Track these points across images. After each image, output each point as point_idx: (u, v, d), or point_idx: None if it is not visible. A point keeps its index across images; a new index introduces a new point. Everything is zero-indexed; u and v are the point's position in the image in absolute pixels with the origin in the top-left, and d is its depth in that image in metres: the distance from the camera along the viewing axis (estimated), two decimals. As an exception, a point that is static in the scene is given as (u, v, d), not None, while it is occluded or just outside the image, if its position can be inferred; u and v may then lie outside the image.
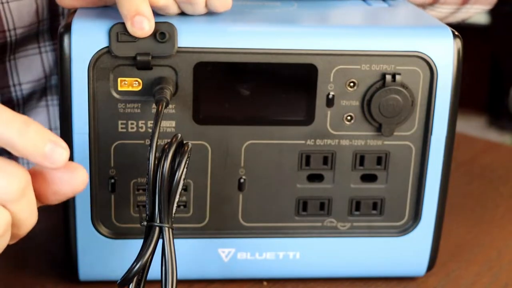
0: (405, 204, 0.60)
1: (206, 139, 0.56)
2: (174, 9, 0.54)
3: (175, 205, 0.50)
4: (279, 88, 0.56)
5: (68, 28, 0.53)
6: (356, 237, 0.60)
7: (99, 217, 0.57)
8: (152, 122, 0.55)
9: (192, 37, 0.54)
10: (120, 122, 0.55)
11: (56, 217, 0.59)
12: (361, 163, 0.58)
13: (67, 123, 0.54)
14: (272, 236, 0.59)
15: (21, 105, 0.71)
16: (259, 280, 0.61)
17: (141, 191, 0.57)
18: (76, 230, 0.57)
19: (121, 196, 0.57)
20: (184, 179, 0.50)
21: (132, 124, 0.55)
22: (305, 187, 0.58)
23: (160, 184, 0.49)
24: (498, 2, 0.81)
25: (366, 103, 0.56)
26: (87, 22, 0.53)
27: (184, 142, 0.51)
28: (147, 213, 0.50)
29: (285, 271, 0.60)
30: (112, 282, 0.52)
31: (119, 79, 0.54)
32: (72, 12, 0.55)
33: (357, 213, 0.60)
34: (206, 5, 0.55)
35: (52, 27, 0.70)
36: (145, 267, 0.50)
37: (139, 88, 0.54)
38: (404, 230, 0.60)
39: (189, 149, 0.50)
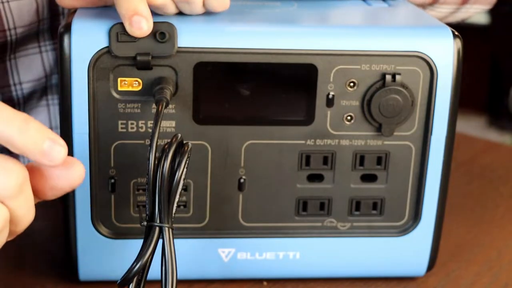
0: (405, 204, 0.60)
1: (206, 139, 0.56)
2: (171, 9, 0.54)
3: (175, 205, 0.50)
4: (279, 88, 0.56)
5: (68, 28, 0.53)
6: (356, 237, 0.60)
7: (99, 217, 0.57)
8: (152, 122, 0.55)
9: (192, 37, 0.54)
10: (120, 122, 0.55)
11: (56, 217, 0.59)
12: (361, 163, 0.58)
13: (67, 123, 0.54)
14: (272, 236, 0.59)
15: (21, 104, 0.71)
16: (259, 280, 0.61)
17: (141, 191, 0.57)
18: (76, 230, 0.57)
19: (121, 196, 0.57)
20: (184, 179, 0.50)
21: (132, 124, 0.55)
22: (305, 187, 0.58)
23: (160, 184, 0.49)
24: (497, 2, 0.81)
25: (366, 103, 0.56)
26: (87, 22, 0.53)
27: (184, 142, 0.51)
28: (147, 213, 0.50)
29: (285, 271, 0.60)
30: (112, 282, 0.52)
31: (119, 79, 0.54)
32: (72, 12, 0.55)
33: (357, 213, 0.60)
34: (204, 5, 0.55)
35: (53, 26, 0.70)
36: (145, 267, 0.50)
37: (139, 88, 0.54)
38: (404, 230, 0.60)
39: (189, 149, 0.50)
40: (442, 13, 0.76)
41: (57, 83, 0.72)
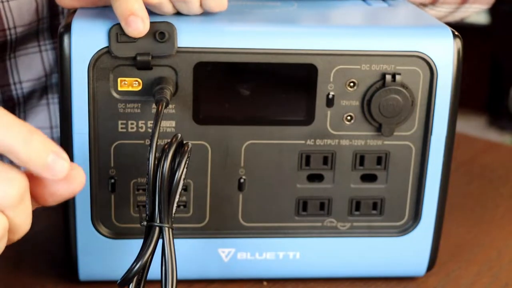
0: (405, 204, 0.60)
1: (206, 139, 0.56)
2: (168, 8, 0.54)
3: (175, 205, 0.50)
4: (279, 88, 0.56)
5: (68, 28, 0.53)
6: (356, 237, 0.60)
7: (99, 217, 0.57)
8: (152, 122, 0.55)
9: (192, 37, 0.54)
10: (120, 122, 0.55)
11: (56, 217, 0.59)
12: (361, 163, 0.58)
13: (67, 123, 0.54)
14: (272, 236, 0.59)
15: (21, 103, 0.71)
16: (259, 280, 0.61)
17: (141, 191, 0.57)
18: (76, 230, 0.57)
19: (121, 196, 0.57)
20: (184, 179, 0.50)
21: (132, 124, 0.55)
22: (305, 187, 0.58)
23: (160, 184, 0.49)
24: (497, 2, 0.81)
25: (366, 103, 0.56)
26: (87, 22, 0.53)
27: (184, 142, 0.51)
28: (147, 213, 0.50)
29: (285, 271, 0.60)
30: (112, 282, 0.52)
31: (119, 79, 0.54)
32: (72, 12, 0.55)
33: (357, 213, 0.60)
34: (201, 5, 0.55)
35: (52, 25, 0.70)
36: (145, 267, 0.50)
37: (139, 88, 0.54)
38: (404, 230, 0.60)
39: (189, 149, 0.50)
40: (441, 12, 0.76)
41: (57, 82, 0.72)
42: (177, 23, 0.53)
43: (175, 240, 0.50)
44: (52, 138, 0.73)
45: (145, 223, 0.51)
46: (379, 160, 0.58)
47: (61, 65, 0.53)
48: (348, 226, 0.60)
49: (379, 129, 0.57)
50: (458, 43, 0.56)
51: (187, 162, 0.50)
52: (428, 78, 0.56)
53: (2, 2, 0.64)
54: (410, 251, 0.61)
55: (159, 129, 0.50)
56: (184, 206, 0.58)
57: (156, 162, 0.49)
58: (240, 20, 0.57)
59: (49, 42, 0.70)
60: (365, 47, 0.55)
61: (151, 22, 0.52)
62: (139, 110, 0.55)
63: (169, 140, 0.50)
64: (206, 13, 0.56)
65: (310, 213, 0.59)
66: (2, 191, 0.42)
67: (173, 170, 0.50)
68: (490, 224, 0.72)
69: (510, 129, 2.59)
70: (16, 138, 0.42)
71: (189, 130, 0.56)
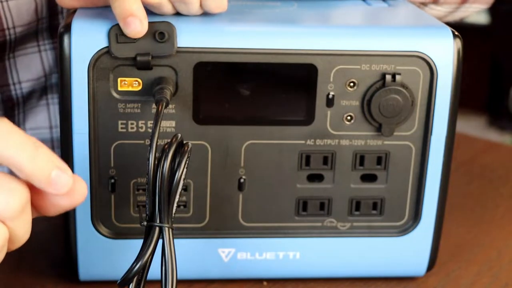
0: (405, 204, 0.60)
1: (206, 139, 0.56)
2: (168, 8, 0.54)
3: (175, 205, 0.50)
4: (279, 88, 0.56)
5: (68, 28, 0.53)
6: (356, 237, 0.60)
7: (99, 217, 0.57)
8: (152, 122, 0.55)
9: (192, 37, 0.54)
10: (120, 122, 0.55)
11: (56, 217, 0.59)
12: (361, 163, 0.58)
13: (67, 123, 0.54)
14: (272, 236, 0.59)
15: (21, 103, 0.71)
16: (259, 280, 0.61)
17: (141, 191, 0.57)
18: (76, 230, 0.57)
19: (121, 196, 0.57)
20: (184, 179, 0.50)
21: (132, 124, 0.55)
22: (305, 187, 0.58)
23: (160, 184, 0.49)
24: (497, 2, 0.81)
25: (366, 103, 0.56)
26: (87, 22, 0.53)
27: (184, 142, 0.51)
28: (147, 213, 0.50)
29: (285, 271, 0.60)
30: (112, 282, 0.52)
31: (119, 79, 0.54)
32: (72, 12, 0.55)
33: (357, 213, 0.60)
34: (201, 6, 0.55)
35: (52, 25, 0.70)
36: (145, 267, 0.50)
37: (139, 88, 0.54)
38: (404, 230, 0.60)
39: (189, 149, 0.50)
40: (441, 12, 0.76)
41: (57, 82, 0.72)
42: (177, 23, 0.53)
43: (175, 240, 0.50)
44: (52, 138, 0.73)
45: (145, 223, 0.51)
46: (379, 160, 0.58)
47: (61, 65, 0.53)
48: (348, 226, 0.60)
49: (379, 129, 0.57)
50: (458, 43, 0.56)
51: (187, 162, 0.50)
52: (428, 78, 0.56)
53: (1, 2, 0.64)
54: (410, 251, 0.61)
55: (159, 129, 0.50)
56: (184, 206, 0.58)
57: (156, 162, 0.49)
58: (240, 20, 0.57)
59: (48, 42, 0.70)
60: (365, 47, 0.55)
61: (150, 22, 0.52)
62: (139, 110, 0.55)
63: (169, 140, 0.50)
64: (205, 13, 0.56)
65: (310, 213, 0.59)
66: (3, 202, 0.42)
67: (173, 170, 0.50)
68: (490, 224, 0.72)
69: (510, 129, 2.59)
70: (22, 153, 0.42)
71: (189, 130, 0.56)
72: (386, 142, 0.58)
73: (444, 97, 0.56)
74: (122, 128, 0.55)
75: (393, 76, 0.56)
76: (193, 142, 0.56)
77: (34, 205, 0.45)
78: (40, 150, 0.43)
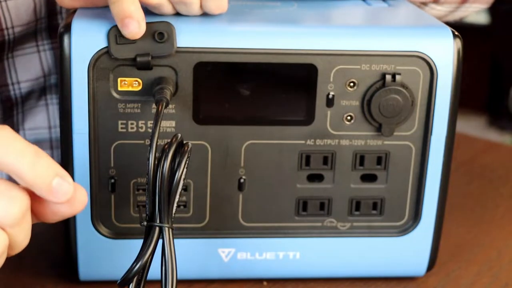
0: (405, 204, 0.60)
1: (206, 139, 0.56)
2: (168, 9, 0.54)
3: (175, 205, 0.50)
4: (279, 88, 0.56)
5: (68, 28, 0.53)
6: (356, 237, 0.60)
7: (99, 217, 0.57)
8: (152, 122, 0.55)
9: (192, 37, 0.54)
10: (120, 122, 0.55)
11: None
12: (361, 163, 0.58)
13: (67, 123, 0.54)
14: (272, 236, 0.59)
15: (19, 103, 0.71)
16: (259, 280, 0.61)
17: (141, 191, 0.57)
18: (76, 230, 0.57)
19: (121, 196, 0.57)
20: (184, 179, 0.50)
21: (132, 124, 0.55)
22: (305, 187, 0.58)
23: (160, 184, 0.49)
24: (497, 1, 0.81)
25: (366, 103, 0.56)
26: (87, 22, 0.53)
27: (184, 142, 0.51)
28: (147, 213, 0.50)
29: (285, 271, 0.60)
30: (112, 282, 0.52)
31: (119, 79, 0.54)
32: (72, 12, 0.55)
33: (357, 213, 0.60)
34: (201, 7, 0.55)
35: (50, 25, 0.70)
36: (145, 267, 0.50)
37: (139, 88, 0.54)
38: (404, 230, 0.60)
39: (189, 149, 0.50)
40: (442, 11, 0.76)
41: (56, 83, 0.72)
42: (177, 23, 0.53)
43: (175, 240, 0.50)
44: (50, 138, 0.73)
45: (145, 223, 0.51)
46: (379, 160, 0.58)
47: (61, 65, 0.53)
48: (348, 226, 0.60)
49: (379, 129, 0.57)
50: (458, 43, 0.56)
51: (187, 162, 0.50)
52: (428, 78, 0.56)
53: (0, 2, 0.64)
54: (410, 251, 0.61)
55: (159, 129, 0.50)
56: (184, 206, 0.58)
57: (156, 162, 0.49)
58: (240, 20, 0.57)
59: (47, 42, 0.70)
60: (365, 47, 0.55)
61: (149, 23, 0.52)
62: (139, 110, 0.55)
63: (169, 140, 0.50)
64: (205, 14, 0.56)
65: (310, 213, 0.59)
66: (3, 210, 0.42)
67: (173, 170, 0.50)
68: (490, 224, 0.72)
69: (510, 129, 2.59)
70: (22, 161, 0.42)
71: (189, 130, 0.56)
72: (386, 142, 0.58)
73: (444, 97, 0.56)
74: (122, 128, 0.55)
75: (393, 76, 0.56)
76: (193, 142, 0.56)
77: (34, 212, 0.45)
78: (41, 157, 0.43)
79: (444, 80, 0.56)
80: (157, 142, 0.50)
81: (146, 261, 0.49)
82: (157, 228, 0.50)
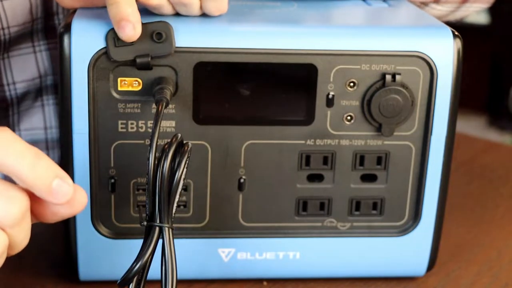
0: (405, 204, 0.60)
1: (206, 139, 0.56)
2: (168, 9, 0.54)
3: (175, 205, 0.50)
4: (279, 88, 0.56)
5: (68, 28, 0.53)
6: (356, 237, 0.60)
7: (99, 217, 0.57)
8: (152, 122, 0.55)
9: (192, 37, 0.54)
10: (120, 122, 0.55)
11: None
12: (361, 163, 0.58)
13: (67, 123, 0.54)
14: (272, 236, 0.59)
15: (15, 104, 0.71)
16: (259, 280, 0.61)
17: (141, 191, 0.57)
18: (76, 230, 0.57)
19: (121, 196, 0.57)
20: (184, 179, 0.50)
21: (132, 124, 0.55)
22: (305, 187, 0.58)
23: (160, 184, 0.49)
24: (497, 1, 0.81)
25: (366, 103, 0.56)
26: (87, 22, 0.53)
27: (184, 142, 0.51)
28: (147, 213, 0.50)
29: (285, 271, 0.60)
30: (112, 282, 0.52)
31: (119, 79, 0.54)
32: (72, 12, 0.55)
33: (357, 213, 0.60)
34: (201, 8, 0.55)
35: (47, 26, 0.69)
36: (145, 267, 0.50)
37: (139, 88, 0.54)
38: (404, 230, 0.60)
39: (189, 149, 0.50)
40: (442, 11, 0.76)
41: (52, 83, 0.72)
42: (177, 23, 0.53)
43: (175, 240, 0.50)
44: (46, 139, 0.73)
45: (145, 223, 0.51)
46: (379, 160, 0.58)
47: (61, 65, 0.53)
48: (348, 226, 0.60)
49: (379, 129, 0.57)
50: (458, 43, 0.56)
51: (187, 162, 0.50)
52: (428, 78, 0.56)
53: None
54: (410, 251, 0.61)
55: (159, 129, 0.50)
56: (184, 206, 0.58)
57: (156, 162, 0.49)
58: (240, 20, 0.57)
59: (44, 43, 0.70)
60: (365, 47, 0.55)
61: (147, 23, 0.52)
62: (139, 110, 0.55)
63: (169, 140, 0.50)
64: (205, 14, 0.56)
65: (310, 213, 0.59)
66: (3, 210, 0.43)
67: (173, 170, 0.50)
68: (490, 224, 0.72)
69: (510, 129, 2.59)
70: (22, 162, 0.42)
71: (189, 130, 0.56)
72: (386, 142, 0.58)
73: (444, 97, 0.56)
74: (122, 128, 0.55)
75: (393, 76, 0.56)
76: (193, 142, 0.56)
77: (33, 213, 0.45)
78: (41, 159, 0.43)
79: (444, 80, 0.56)
80: (157, 142, 0.50)
81: (146, 261, 0.49)
82: (157, 228, 0.50)
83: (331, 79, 0.55)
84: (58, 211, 0.45)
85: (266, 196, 0.58)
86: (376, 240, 0.60)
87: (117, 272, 0.51)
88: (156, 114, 0.51)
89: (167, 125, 0.55)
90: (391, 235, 0.60)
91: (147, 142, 0.55)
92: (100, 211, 0.57)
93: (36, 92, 0.72)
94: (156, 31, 0.52)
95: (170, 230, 0.50)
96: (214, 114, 0.56)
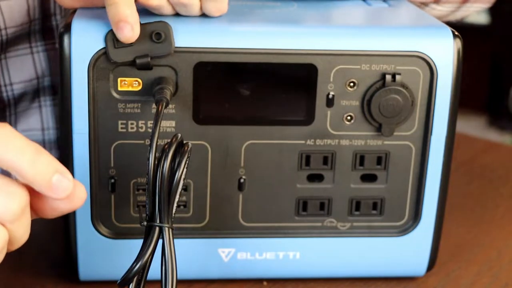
0: (405, 204, 0.60)
1: (206, 139, 0.56)
2: (168, 10, 0.54)
3: (175, 205, 0.50)
4: (279, 88, 0.56)
5: (68, 28, 0.53)
6: (356, 237, 0.60)
7: (99, 217, 0.57)
8: (152, 122, 0.55)
9: (192, 37, 0.54)
10: (120, 122, 0.55)
11: (56, 218, 0.59)
12: (361, 163, 0.58)
13: (67, 123, 0.54)
14: (272, 236, 0.59)
15: (12, 105, 0.71)
16: (259, 280, 0.61)
17: (141, 191, 0.57)
18: (76, 230, 0.57)
19: (121, 196, 0.57)
20: (184, 179, 0.50)
21: (132, 124, 0.55)
22: (305, 187, 0.58)
23: (160, 184, 0.49)
24: (498, 1, 0.81)
25: (366, 103, 0.56)
26: (87, 22, 0.53)
27: (184, 142, 0.51)
28: (147, 213, 0.50)
29: (285, 271, 0.60)
30: (112, 282, 0.52)
31: (119, 79, 0.54)
32: (72, 12, 0.55)
33: (357, 213, 0.60)
34: (201, 9, 0.55)
35: (44, 27, 0.69)
36: (145, 267, 0.50)
37: (139, 88, 0.54)
38: (404, 230, 0.60)
39: (189, 149, 0.50)
40: (443, 11, 0.76)
41: (50, 85, 0.72)
42: (177, 23, 0.53)
43: (175, 240, 0.50)
44: (43, 140, 0.73)
45: (145, 223, 0.51)
46: (379, 160, 0.58)
47: (61, 65, 0.53)
48: (348, 226, 0.60)
49: (379, 129, 0.57)
50: (458, 43, 0.56)
51: (187, 162, 0.50)
52: (428, 78, 0.56)
53: None
54: (410, 251, 0.61)
55: (159, 129, 0.50)
56: (184, 206, 0.58)
57: (156, 162, 0.49)
58: (240, 20, 0.57)
59: (41, 44, 0.70)
60: (365, 47, 0.55)
61: (146, 23, 0.52)
62: (139, 110, 0.55)
63: (169, 140, 0.50)
64: (205, 14, 0.56)
65: (310, 213, 0.59)
66: (3, 205, 0.43)
67: (173, 170, 0.50)
68: (490, 224, 0.72)
69: (510, 129, 2.59)
70: (22, 158, 0.43)
71: (189, 130, 0.56)
72: (386, 142, 0.58)
73: (444, 97, 0.56)
74: (122, 128, 0.55)
75: (393, 76, 0.56)
76: (193, 142, 0.56)
77: (33, 208, 0.45)
78: (41, 154, 0.43)
79: (444, 80, 0.56)
80: (157, 142, 0.50)
81: (146, 261, 0.49)
82: (157, 228, 0.50)
83: (331, 79, 0.55)
84: (57, 207, 0.45)
85: (266, 196, 0.58)
86: (376, 240, 0.60)
87: (117, 272, 0.51)
88: (156, 114, 0.51)
89: (167, 125, 0.55)
90: (391, 235, 0.60)
91: (147, 142, 0.55)
92: (100, 211, 0.57)
93: (34, 93, 0.72)
94: (155, 31, 0.52)
95: (170, 230, 0.50)
96: (214, 114, 0.56)
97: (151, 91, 0.54)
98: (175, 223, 0.51)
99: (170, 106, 0.55)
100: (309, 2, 0.64)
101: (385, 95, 0.56)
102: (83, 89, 0.53)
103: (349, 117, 0.57)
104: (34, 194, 0.45)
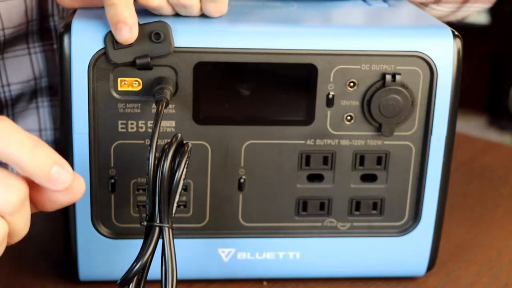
0: (405, 204, 0.60)
1: (206, 139, 0.56)
2: (168, 11, 0.54)
3: (175, 205, 0.50)
4: (279, 88, 0.56)
5: (68, 28, 0.53)
6: (356, 237, 0.60)
7: (99, 217, 0.57)
8: (152, 122, 0.55)
9: (192, 37, 0.54)
10: (120, 122, 0.55)
11: (56, 217, 0.59)
12: (361, 163, 0.58)
13: (67, 123, 0.54)
14: (272, 236, 0.59)
15: (9, 106, 0.71)
16: (259, 280, 0.61)
17: (141, 191, 0.57)
18: (76, 230, 0.57)
19: (121, 196, 0.57)
20: (184, 179, 0.50)
21: (132, 124, 0.55)
22: (305, 187, 0.58)
23: (160, 184, 0.49)
24: (498, 1, 0.81)
25: (366, 103, 0.56)
26: (87, 22, 0.53)
27: (184, 142, 0.51)
28: (147, 213, 0.50)
29: (285, 271, 0.60)
30: (112, 282, 0.52)
31: (119, 79, 0.54)
32: (72, 12, 0.55)
33: (357, 213, 0.60)
34: (201, 9, 0.55)
35: (42, 28, 0.69)
36: (145, 267, 0.50)
37: (139, 88, 0.54)
38: (404, 230, 0.60)
39: (189, 149, 0.50)
40: (443, 11, 0.76)
41: (47, 86, 0.72)
42: (177, 23, 0.53)
43: (175, 240, 0.50)
44: None
45: (145, 223, 0.51)
46: (379, 160, 0.58)
47: (61, 65, 0.53)
48: (348, 226, 0.60)
49: (379, 129, 0.57)
50: (458, 43, 0.56)
51: (187, 162, 0.50)
52: (428, 78, 0.56)
53: None
54: (410, 251, 0.61)
55: (159, 129, 0.50)
56: (184, 206, 0.58)
57: (156, 162, 0.49)
58: (240, 20, 0.57)
59: (39, 45, 0.70)
60: (365, 47, 0.55)
61: (145, 24, 0.52)
62: (139, 110, 0.55)
63: (169, 140, 0.50)
64: (205, 15, 0.56)
65: (310, 213, 0.59)
66: (2, 198, 0.43)
67: (173, 170, 0.50)
68: (490, 224, 0.72)
69: (510, 129, 2.59)
70: (22, 150, 0.43)
71: (189, 130, 0.56)
72: (386, 142, 0.58)
73: (444, 97, 0.56)
74: (122, 128, 0.55)
75: (393, 76, 0.56)
76: (193, 142, 0.56)
77: (32, 201, 0.45)
78: (40, 147, 0.43)
79: (444, 80, 0.56)
80: (157, 142, 0.50)
81: (146, 261, 0.49)
82: (157, 228, 0.50)
83: (331, 79, 0.55)
84: (57, 199, 0.45)
85: (266, 196, 0.58)
86: (376, 240, 0.60)
87: (117, 272, 0.51)
88: (156, 114, 0.51)
89: (167, 125, 0.55)
90: (391, 235, 0.60)
91: (147, 142, 0.55)
92: (100, 211, 0.57)
93: (31, 94, 0.72)
94: (154, 31, 0.52)
95: (170, 230, 0.50)
96: (214, 114, 0.56)
97: (151, 91, 0.54)
98: (175, 223, 0.51)
99: (170, 106, 0.55)
100: (309, 2, 0.64)
101: (385, 95, 0.56)
102: (83, 89, 0.53)
103: (349, 117, 0.57)
104: (33, 187, 0.45)
